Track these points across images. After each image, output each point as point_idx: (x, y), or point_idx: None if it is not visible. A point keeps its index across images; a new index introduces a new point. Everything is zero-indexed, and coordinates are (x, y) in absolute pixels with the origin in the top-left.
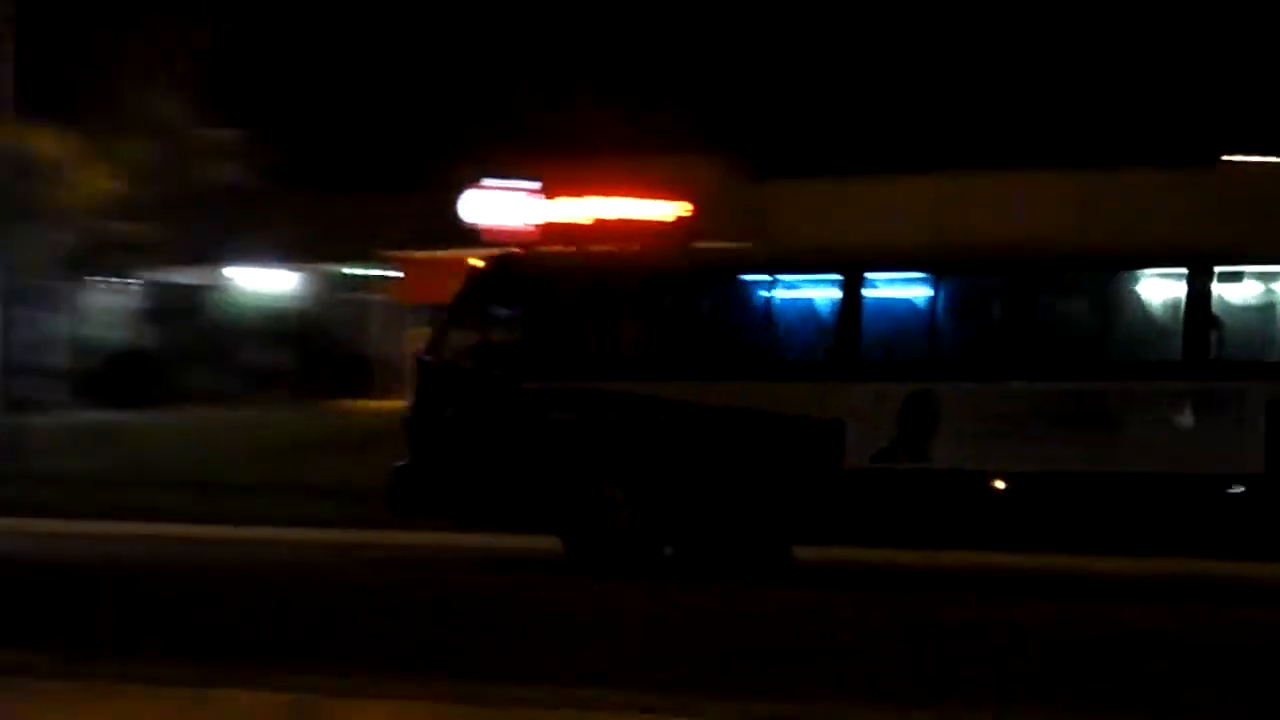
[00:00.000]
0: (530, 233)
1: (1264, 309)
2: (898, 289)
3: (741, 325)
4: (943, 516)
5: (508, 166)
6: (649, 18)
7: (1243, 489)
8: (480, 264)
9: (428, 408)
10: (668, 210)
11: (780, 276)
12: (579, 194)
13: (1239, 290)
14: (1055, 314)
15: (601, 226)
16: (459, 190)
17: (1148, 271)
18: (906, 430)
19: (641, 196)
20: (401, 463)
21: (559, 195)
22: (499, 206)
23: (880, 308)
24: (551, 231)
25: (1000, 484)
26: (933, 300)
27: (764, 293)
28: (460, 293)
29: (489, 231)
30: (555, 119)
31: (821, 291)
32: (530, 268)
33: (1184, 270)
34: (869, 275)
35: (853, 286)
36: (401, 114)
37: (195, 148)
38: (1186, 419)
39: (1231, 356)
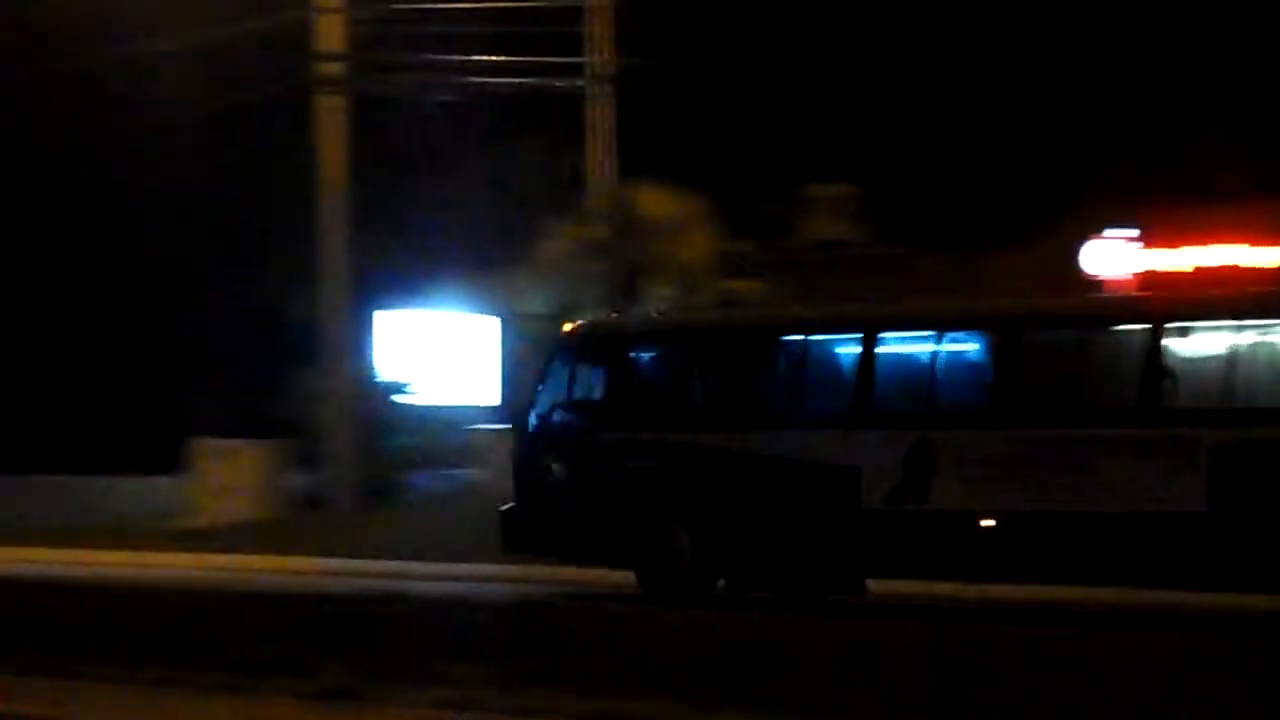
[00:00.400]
0: (1133, 282)
1: (1208, 362)
2: (903, 346)
3: (775, 381)
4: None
5: (1120, 215)
6: (1261, 59)
7: (1190, 526)
8: (568, 328)
9: (525, 457)
10: (1272, 256)
11: (810, 337)
12: (1186, 242)
13: (1188, 345)
14: (1031, 368)
15: (1203, 274)
16: (1074, 242)
17: (1110, 329)
18: (910, 474)
19: (1247, 243)
20: (506, 507)
21: (1165, 243)
22: (1117, 256)
23: (888, 364)
24: (1154, 280)
25: (988, 522)
26: (932, 357)
27: (795, 351)
28: (550, 354)
29: (1110, 283)
30: (1167, 165)
31: (841, 350)
32: (607, 332)
33: (1143, 327)
34: (881, 335)
35: (867, 345)
36: (1005, 166)
37: (808, 204)
38: (1143, 463)
39: (1181, 406)
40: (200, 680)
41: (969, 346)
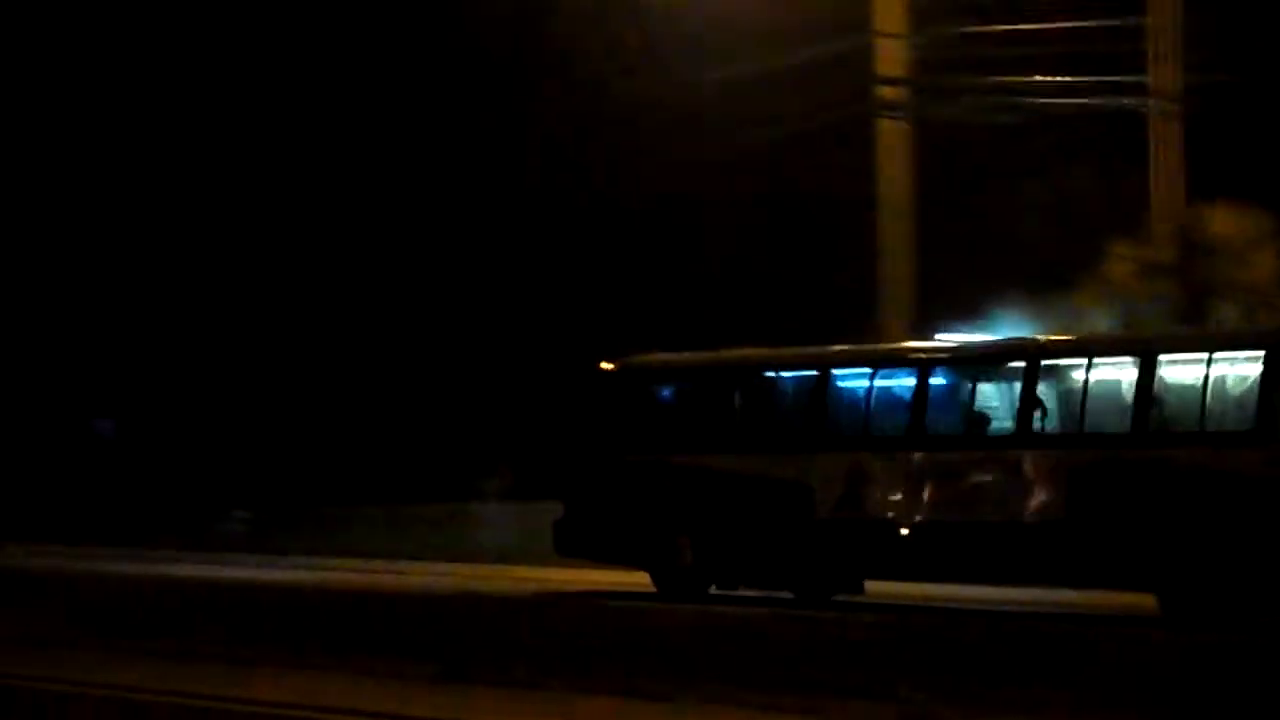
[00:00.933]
0: None
1: (1070, 394)
2: (845, 382)
3: (750, 410)
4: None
5: None
6: None
7: (1050, 533)
8: (605, 365)
9: (570, 475)
10: None
11: (778, 373)
12: None
13: (1056, 378)
14: (933, 400)
15: None
16: None
17: (995, 366)
18: (850, 490)
19: None
20: (558, 518)
21: None
22: None
23: (833, 396)
24: None
25: (904, 531)
26: (867, 391)
27: (766, 385)
28: (592, 389)
29: None
30: None
31: (800, 385)
32: (634, 368)
33: (1020, 364)
34: (828, 371)
35: (819, 381)
36: None
37: None
38: (1018, 479)
39: (1048, 431)
40: (756, 700)
41: (892, 382)
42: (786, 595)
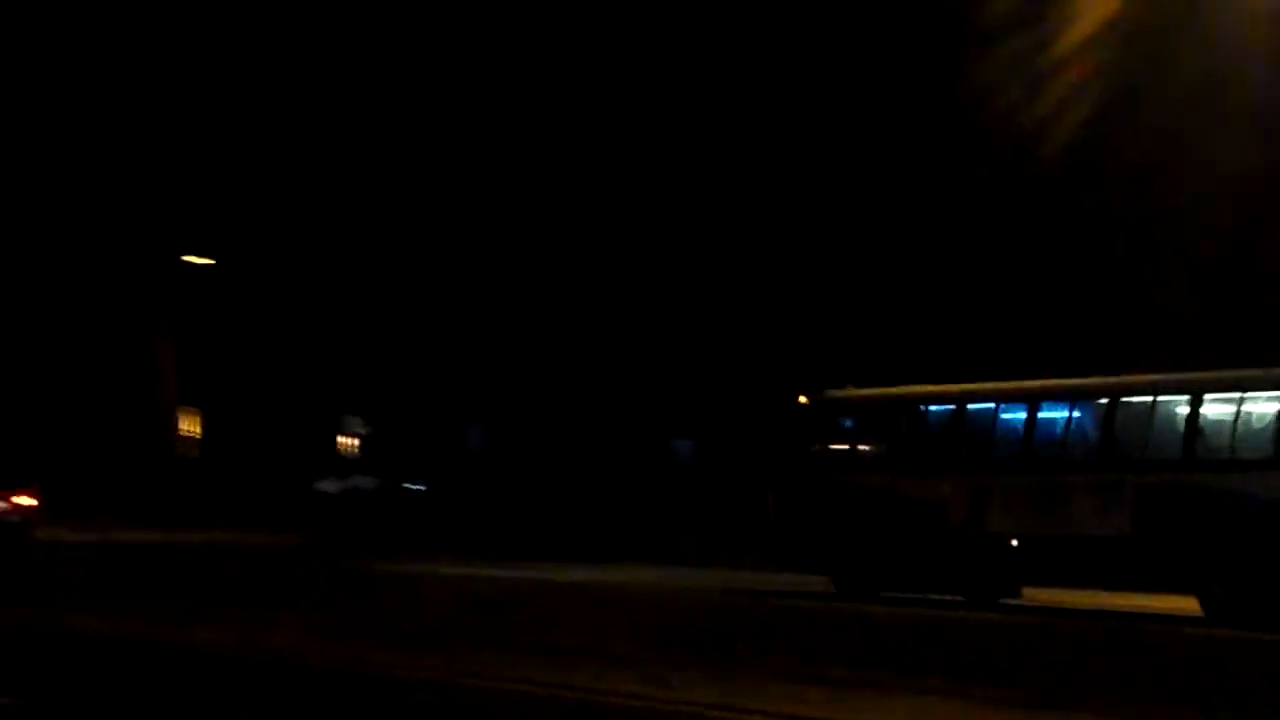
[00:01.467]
0: None
1: (1137, 423)
2: (971, 414)
3: (901, 438)
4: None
5: None
6: None
7: (1121, 545)
8: (803, 399)
9: (772, 494)
10: None
11: (925, 406)
12: None
13: (1130, 412)
14: (1033, 430)
15: None
16: None
17: (1079, 400)
18: (973, 508)
19: None
20: (765, 530)
21: None
22: None
23: (960, 426)
24: None
25: (1015, 542)
26: (990, 423)
27: (913, 416)
28: (789, 417)
29: None
30: None
31: (937, 416)
32: (821, 402)
33: (1103, 400)
34: (959, 405)
35: (954, 414)
36: None
37: None
38: (1097, 498)
39: (1120, 457)
40: None
41: (1009, 415)
42: (940, 597)
